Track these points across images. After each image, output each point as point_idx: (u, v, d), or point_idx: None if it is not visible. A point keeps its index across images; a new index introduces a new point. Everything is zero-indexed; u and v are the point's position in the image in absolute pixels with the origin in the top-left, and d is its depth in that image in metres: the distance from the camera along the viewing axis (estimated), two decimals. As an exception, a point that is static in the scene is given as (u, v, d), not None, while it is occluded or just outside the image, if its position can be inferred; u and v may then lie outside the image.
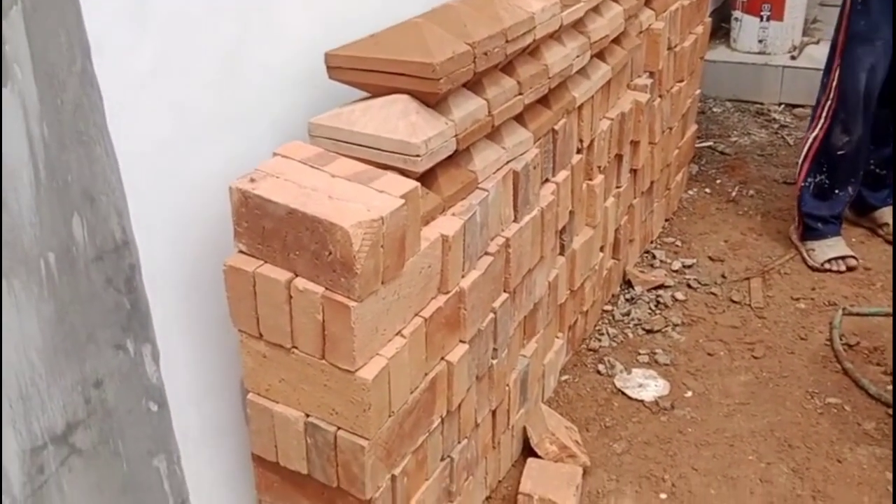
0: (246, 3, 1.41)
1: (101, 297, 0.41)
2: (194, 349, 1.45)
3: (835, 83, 2.67)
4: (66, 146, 0.38)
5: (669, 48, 2.60)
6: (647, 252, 2.83)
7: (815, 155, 2.75)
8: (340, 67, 1.47)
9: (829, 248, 2.74)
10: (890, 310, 2.49)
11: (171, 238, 1.35)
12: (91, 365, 0.41)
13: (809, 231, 2.80)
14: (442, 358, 1.50)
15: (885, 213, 2.94)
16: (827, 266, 2.70)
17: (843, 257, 2.71)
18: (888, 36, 2.56)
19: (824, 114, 2.71)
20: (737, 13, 4.35)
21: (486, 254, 1.60)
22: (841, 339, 2.34)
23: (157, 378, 0.47)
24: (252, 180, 1.28)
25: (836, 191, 2.77)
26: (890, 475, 1.90)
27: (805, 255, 2.77)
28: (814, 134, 2.75)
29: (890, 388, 2.17)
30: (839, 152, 2.69)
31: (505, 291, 1.69)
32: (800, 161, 2.83)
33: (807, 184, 2.80)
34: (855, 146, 2.69)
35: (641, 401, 2.16)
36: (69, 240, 0.39)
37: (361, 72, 1.45)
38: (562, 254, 2.07)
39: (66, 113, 0.39)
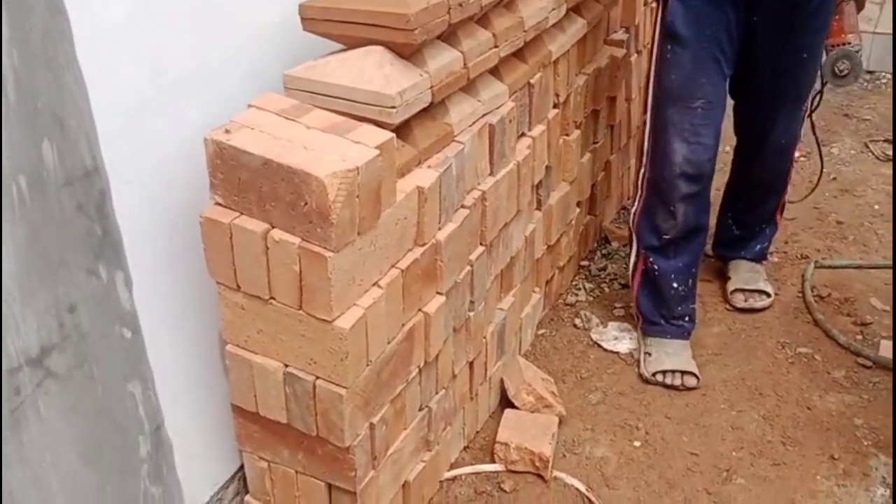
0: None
1: (73, 223, 0.41)
2: (174, 303, 1.45)
3: (648, 149, 2.07)
4: (36, 72, 0.39)
5: (646, 3, 2.59)
6: (623, 208, 2.86)
7: (640, 234, 2.16)
8: (314, 19, 1.46)
9: (667, 356, 2.11)
10: (861, 262, 2.53)
11: (148, 193, 1.35)
12: (64, 289, 0.42)
13: (650, 325, 2.17)
14: (419, 309, 1.52)
15: (736, 268, 2.40)
16: (659, 379, 2.08)
17: (682, 372, 2.07)
18: (714, 96, 1.94)
19: (642, 184, 2.12)
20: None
21: (463, 207, 1.61)
22: (812, 291, 2.39)
23: (131, 305, 0.47)
24: (227, 132, 1.28)
25: (675, 285, 2.12)
26: (858, 421, 1.95)
27: (641, 357, 2.15)
28: (633, 208, 2.18)
29: (859, 337, 2.22)
30: (665, 237, 2.09)
31: (481, 244, 1.71)
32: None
33: (636, 268, 2.19)
34: (683, 232, 2.08)
35: (617, 353, 2.20)
36: (39, 164, 0.39)
37: (335, 23, 1.44)
38: (538, 209, 2.08)
39: (35, 40, 0.39)
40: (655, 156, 2.05)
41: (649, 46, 2.07)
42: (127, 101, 1.27)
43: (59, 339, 0.42)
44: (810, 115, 2.22)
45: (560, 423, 1.92)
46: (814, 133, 2.32)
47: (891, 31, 3.68)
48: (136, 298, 1.34)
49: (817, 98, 2.19)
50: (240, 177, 1.27)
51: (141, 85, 1.29)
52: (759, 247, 2.40)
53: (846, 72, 2.03)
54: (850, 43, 2.02)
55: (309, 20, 1.47)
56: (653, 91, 2.02)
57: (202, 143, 1.29)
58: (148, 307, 1.39)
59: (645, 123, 2.08)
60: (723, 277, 2.47)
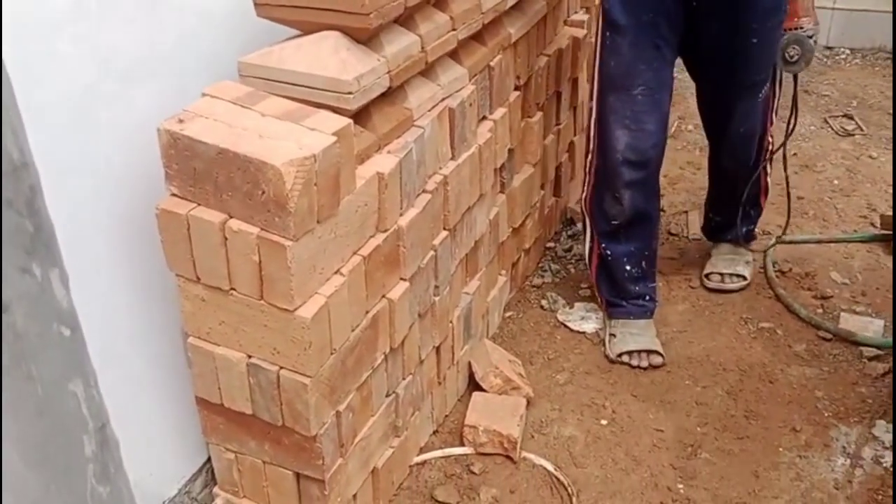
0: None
1: (1, 220, 0.40)
2: (133, 296, 1.44)
3: (594, 136, 2.07)
4: (-48, 67, 0.38)
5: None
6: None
7: (592, 219, 2.17)
8: (268, 4, 1.44)
9: (631, 337, 2.10)
10: (821, 237, 2.57)
11: (100, 185, 1.33)
12: (-5, 289, 0.41)
13: (613, 307, 2.17)
14: (383, 296, 1.52)
15: (717, 250, 2.41)
16: (625, 360, 2.08)
17: (647, 352, 2.08)
18: (655, 82, 1.94)
19: (589, 171, 2.12)
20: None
21: (424, 191, 1.60)
22: (774, 267, 2.42)
23: (68, 302, 0.47)
24: (180, 121, 1.26)
25: (627, 268, 2.13)
26: (819, 393, 1.99)
27: (606, 339, 2.14)
28: (583, 194, 2.19)
29: (819, 311, 2.26)
30: (613, 222, 2.10)
31: (444, 229, 1.71)
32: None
33: (591, 252, 2.21)
34: (631, 217, 2.08)
35: (583, 333, 2.22)
36: (-38, 162, 0.39)
37: (289, 8, 1.42)
38: (502, 192, 2.08)
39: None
40: (600, 142, 2.05)
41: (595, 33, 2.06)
42: (73, 90, 1.25)
43: (-8, 341, 0.41)
44: (774, 109, 2.18)
45: (528, 404, 1.93)
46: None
47: (850, 7, 3.72)
48: (93, 294, 1.32)
49: (777, 87, 2.15)
50: (195, 167, 1.25)
51: (87, 73, 1.26)
52: (744, 229, 2.37)
53: (796, 57, 1.98)
54: (802, 27, 1.97)
55: (263, 6, 1.45)
56: (596, 78, 2.01)
57: (155, 133, 1.27)
58: (106, 301, 1.38)
59: (591, 110, 2.07)
60: (685, 255, 2.50)
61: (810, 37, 1.98)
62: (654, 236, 2.19)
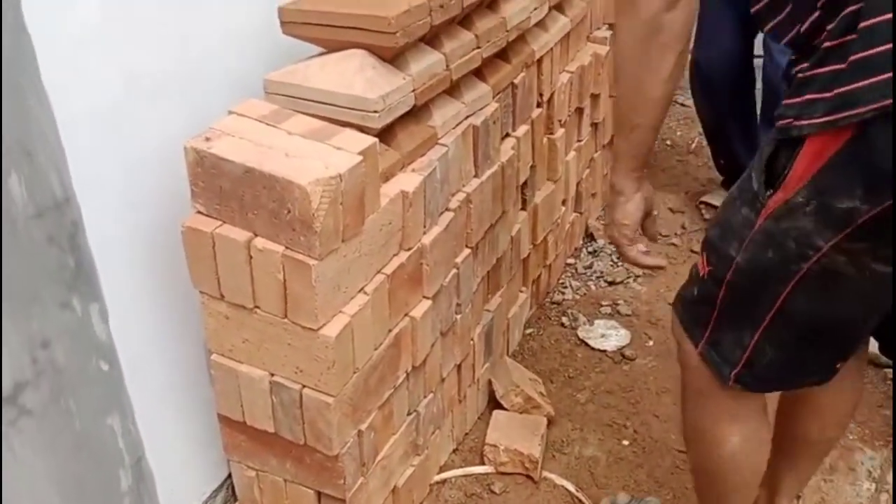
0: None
1: (44, 256, 0.40)
2: (157, 312, 1.44)
3: None
4: (-2, 101, 0.38)
5: (628, -1, 2.58)
6: (609, 205, 2.85)
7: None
8: (294, 22, 1.44)
9: None
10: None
11: (127, 201, 1.33)
12: (37, 324, 0.41)
13: None
14: (405, 314, 1.51)
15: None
16: None
17: None
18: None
19: None
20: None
21: (448, 210, 1.60)
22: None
23: (107, 336, 0.46)
24: (207, 139, 1.26)
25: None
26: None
27: None
28: None
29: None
30: None
31: (467, 247, 1.70)
32: None
33: None
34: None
35: (604, 351, 2.20)
36: (7, 198, 0.38)
37: (315, 26, 1.43)
38: (524, 209, 2.07)
39: (-4, 66, 0.38)
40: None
41: None
42: (100, 106, 1.25)
43: (32, 376, 0.41)
44: None
45: (549, 423, 1.92)
46: None
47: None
48: (116, 309, 1.32)
49: None
50: (221, 185, 1.25)
51: (115, 89, 1.27)
52: None
53: None
54: None
55: (289, 23, 1.45)
56: None
57: (181, 150, 1.27)
58: (128, 317, 1.38)
59: None
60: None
61: None
62: None
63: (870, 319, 1.23)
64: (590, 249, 2.62)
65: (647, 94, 1.25)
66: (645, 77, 1.23)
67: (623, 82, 1.29)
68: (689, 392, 1.37)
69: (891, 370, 2.06)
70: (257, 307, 1.31)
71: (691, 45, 1.57)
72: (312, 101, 1.39)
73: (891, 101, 0.96)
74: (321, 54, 1.46)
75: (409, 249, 1.47)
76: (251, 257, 1.27)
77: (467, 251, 1.70)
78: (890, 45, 0.96)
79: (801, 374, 1.27)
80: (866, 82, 0.98)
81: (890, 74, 0.95)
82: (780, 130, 1.10)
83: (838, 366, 1.26)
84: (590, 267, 2.55)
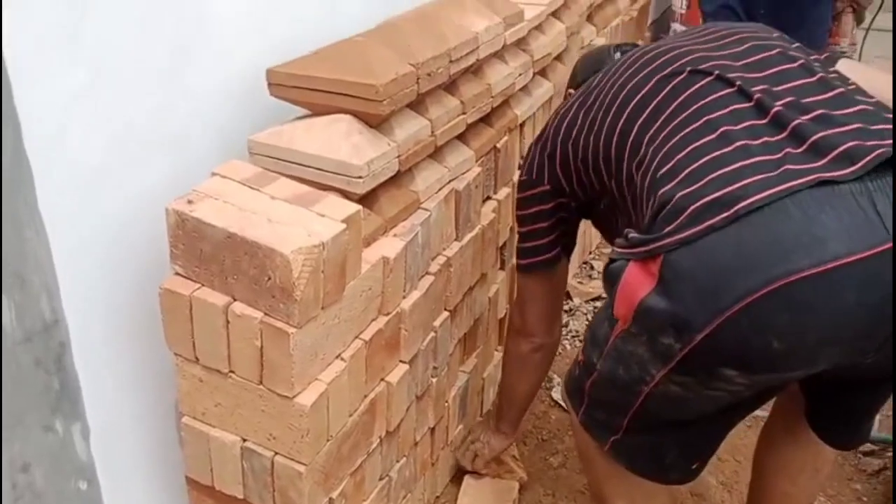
0: (184, 18, 1.38)
1: (30, 380, 0.39)
2: (127, 370, 1.41)
3: None
4: (-6, 230, 0.37)
5: (610, 63, 2.63)
6: (585, 263, 2.87)
7: None
8: (282, 85, 1.45)
9: None
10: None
11: (106, 259, 1.31)
12: (19, 448, 0.40)
13: None
14: (382, 379, 1.50)
15: None
16: None
17: None
18: None
19: None
20: (675, 25, 4.44)
21: (428, 273, 1.59)
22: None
23: (87, 455, 0.45)
24: (189, 202, 1.25)
25: None
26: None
27: None
28: None
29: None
30: None
31: (446, 310, 1.69)
32: None
33: None
34: None
35: (578, 413, 2.19)
36: (-3, 328, 0.38)
37: (303, 90, 1.43)
38: (502, 268, 2.08)
39: (-6, 195, 0.38)
40: None
41: None
42: (86, 164, 1.24)
43: (11, 501, 0.39)
44: None
45: (521, 488, 1.90)
46: None
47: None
48: (87, 361, 1.29)
49: None
50: (202, 248, 1.24)
51: (100, 147, 1.26)
52: None
53: None
54: (840, 45, 2.65)
55: (276, 85, 1.46)
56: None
57: (163, 209, 1.26)
58: (102, 371, 1.35)
59: None
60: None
61: (844, 53, 2.62)
62: None
63: (724, 427, 1.37)
64: (566, 308, 2.63)
65: (518, 387, 1.83)
66: (519, 378, 1.81)
67: (504, 374, 1.89)
68: (580, 452, 1.51)
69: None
70: (232, 372, 1.29)
71: None
72: (297, 163, 1.39)
73: (689, 232, 1.11)
74: (307, 116, 1.46)
75: (387, 314, 1.46)
76: (229, 322, 1.25)
77: (445, 314, 1.69)
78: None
79: (664, 466, 1.36)
80: (667, 229, 1.14)
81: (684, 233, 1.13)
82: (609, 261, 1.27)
83: (694, 466, 1.38)
84: (566, 326, 2.55)
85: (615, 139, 1.36)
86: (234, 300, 1.25)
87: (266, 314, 1.23)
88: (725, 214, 1.10)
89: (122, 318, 1.37)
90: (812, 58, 1.34)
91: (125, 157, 1.31)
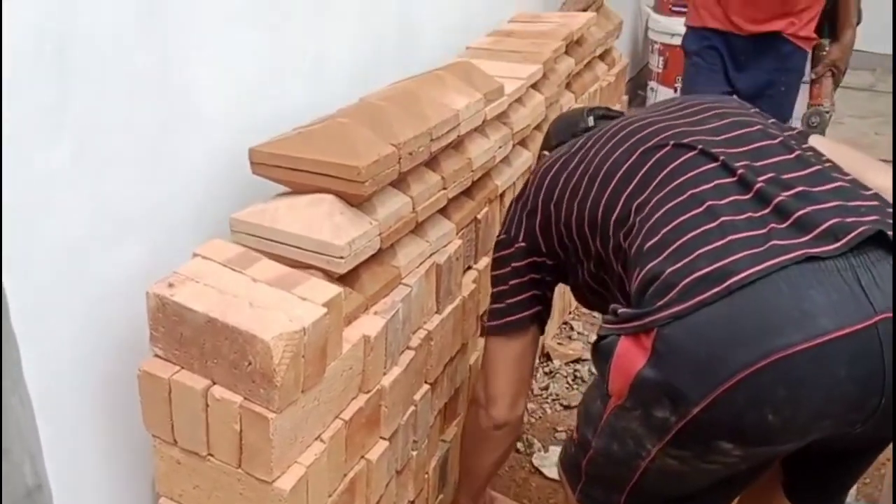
0: (169, 95, 1.39)
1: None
2: (104, 450, 1.40)
3: None
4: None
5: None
6: (565, 323, 2.89)
7: None
8: (264, 164, 1.46)
9: None
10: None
11: (84, 338, 1.31)
12: None
13: None
14: (361, 457, 1.49)
15: None
16: None
17: None
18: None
19: None
20: (652, 83, 4.53)
21: (408, 348, 1.60)
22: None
23: None
24: (170, 285, 1.26)
25: None
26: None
27: None
28: None
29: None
30: None
31: (426, 383, 1.70)
32: None
33: None
34: None
35: (559, 481, 2.18)
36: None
37: (286, 170, 1.45)
38: (482, 335, 2.08)
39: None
40: None
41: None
42: (64, 244, 1.25)
43: None
44: None
45: (502, 560, 1.88)
46: None
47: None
48: (63, 441, 1.28)
49: None
50: (182, 332, 1.24)
51: (79, 227, 1.26)
52: None
53: (816, 125, 2.95)
54: (822, 105, 2.96)
55: (259, 164, 1.47)
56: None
57: (142, 287, 1.26)
58: (75, 450, 1.34)
59: None
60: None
61: (826, 112, 2.96)
62: None
63: (723, 498, 1.37)
64: (546, 370, 2.63)
65: (479, 463, 1.81)
66: (479, 455, 1.78)
67: (462, 448, 1.85)
68: None
69: None
70: (211, 455, 1.28)
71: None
72: (279, 242, 1.40)
73: (682, 307, 1.13)
74: (289, 194, 1.48)
75: (368, 392, 1.46)
76: (208, 406, 1.25)
77: (426, 387, 1.69)
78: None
79: None
80: (659, 303, 1.16)
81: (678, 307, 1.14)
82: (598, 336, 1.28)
83: None
84: (546, 388, 2.55)
85: (601, 209, 1.38)
86: (214, 384, 1.25)
87: (246, 398, 1.23)
88: (717, 289, 1.12)
89: (99, 397, 1.36)
90: (787, 134, 1.38)
91: (105, 235, 1.31)
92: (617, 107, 3.03)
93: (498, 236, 1.65)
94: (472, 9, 2.47)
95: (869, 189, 1.26)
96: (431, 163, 1.66)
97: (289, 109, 1.65)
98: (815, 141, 1.42)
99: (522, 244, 1.56)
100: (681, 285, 1.15)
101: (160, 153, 1.40)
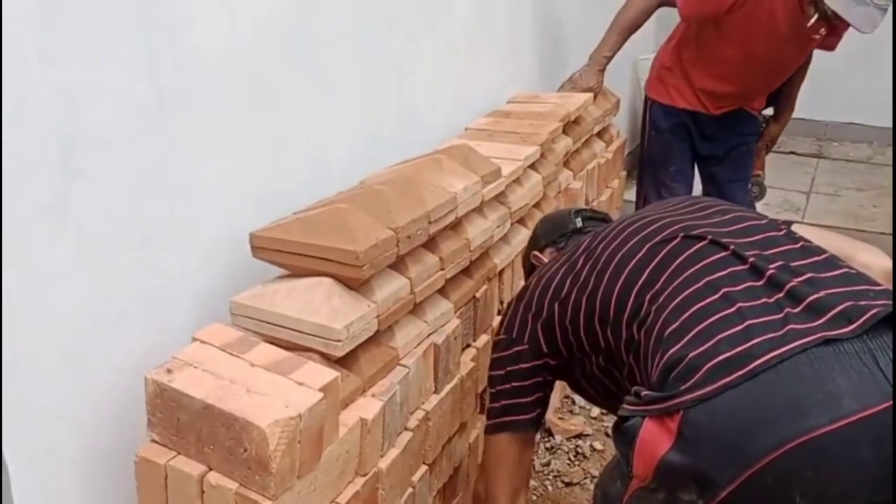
0: (173, 180, 1.43)
1: None
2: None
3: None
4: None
5: (587, 204, 2.72)
6: (567, 397, 2.87)
7: None
8: (264, 248, 1.49)
9: None
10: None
11: (79, 425, 1.32)
12: None
13: None
14: (359, 541, 1.48)
15: None
16: None
17: None
18: (684, 166, 3.00)
19: None
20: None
21: (406, 429, 1.59)
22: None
23: None
24: (168, 371, 1.27)
25: None
26: None
27: None
28: None
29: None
30: None
31: (424, 464, 1.69)
32: None
33: None
34: None
35: (561, 562, 2.15)
36: None
37: (286, 254, 1.47)
38: (482, 412, 2.08)
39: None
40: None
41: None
42: (66, 337, 1.27)
43: None
44: None
45: None
46: None
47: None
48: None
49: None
50: (179, 417, 1.25)
51: (82, 320, 1.29)
52: None
53: (756, 195, 3.42)
54: (759, 176, 3.44)
55: (259, 248, 1.50)
56: (641, 161, 3.17)
57: (142, 373, 1.27)
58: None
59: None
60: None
61: (762, 182, 3.54)
62: None
63: None
64: (547, 445, 2.61)
65: None
66: None
67: None
68: None
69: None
70: (206, 542, 1.27)
71: None
72: (278, 325, 1.42)
73: (706, 390, 1.14)
74: (289, 276, 1.50)
75: (364, 475, 1.45)
76: (203, 492, 1.25)
77: (424, 468, 1.68)
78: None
79: None
80: (683, 387, 1.17)
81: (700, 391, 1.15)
82: (619, 418, 1.27)
83: None
84: (547, 465, 2.52)
85: (613, 302, 1.39)
86: (210, 470, 1.25)
87: (241, 485, 1.22)
88: (741, 372, 1.14)
89: (95, 485, 1.36)
90: (787, 226, 1.42)
91: (107, 321, 1.33)
92: (615, 183, 3.08)
93: (497, 336, 1.66)
94: (471, 90, 2.53)
95: (870, 274, 1.30)
96: (429, 244, 1.69)
97: (291, 193, 1.69)
98: (799, 228, 1.45)
99: (525, 346, 1.57)
100: (704, 369, 1.17)
101: (165, 242, 1.43)
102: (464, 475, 1.98)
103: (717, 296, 1.25)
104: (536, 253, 1.81)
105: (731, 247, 1.31)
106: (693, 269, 1.31)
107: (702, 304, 1.25)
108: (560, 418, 2.73)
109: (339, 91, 1.87)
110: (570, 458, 2.56)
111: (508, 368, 1.59)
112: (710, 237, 1.34)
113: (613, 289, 1.40)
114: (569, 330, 1.50)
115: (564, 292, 1.50)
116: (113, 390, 1.34)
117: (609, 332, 1.41)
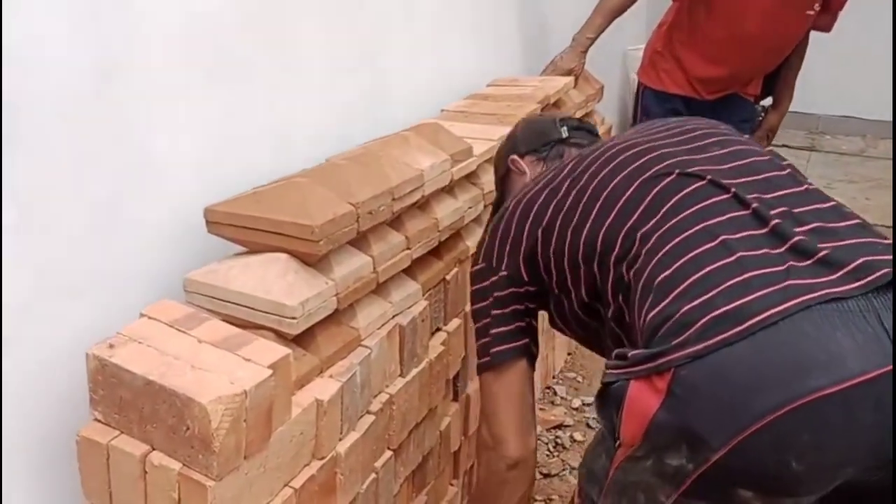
0: (125, 154, 1.38)
1: None
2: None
3: None
4: None
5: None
6: (548, 388, 2.82)
7: None
8: (219, 223, 1.44)
9: None
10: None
11: (25, 403, 1.27)
12: None
13: None
14: (315, 528, 1.43)
15: None
16: None
17: None
18: None
19: None
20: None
21: (368, 413, 1.54)
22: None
23: None
24: (111, 346, 1.22)
25: None
26: None
27: None
28: None
29: None
30: None
31: (389, 449, 1.64)
32: None
33: None
34: None
35: (537, 553, 2.10)
36: None
37: (241, 229, 1.43)
38: (455, 400, 2.03)
39: None
40: None
41: None
42: (8, 306, 1.22)
43: None
44: None
45: None
46: None
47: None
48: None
49: None
50: (121, 395, 1.20)
51: (23, 290, 1.24)
52: None
53: None
54: None
55: (214, 224, 1.45)
56: None
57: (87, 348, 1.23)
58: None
59: None
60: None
61: None
62: None
63: None
64: (527, 436, 2.56)
65: None
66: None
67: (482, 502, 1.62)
68: None
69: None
70: (149, 525, 1.23)
71: None
72: (232, 302, 1.37)
73: (700, 346, 1.07)
74: (245, 254, 1.45)
75: (321, 458, 1.40)
76: (146, 472, 1.20)
77: (389, 454, 1.63)
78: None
79: None
80: (675, 342, 1.10)
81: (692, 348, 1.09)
82: (604, 383, 1.19)
83: None
84: (526, 456, 2.47)
85: (601, 240, 1.29)
86: (153, 449, 1.20)
87: (184, 465, 1.18)
88: (738, 329, 1.07)
89: (38, 468, 1.31)
90: (791, 165, 1.33)
91: (51, 297, 1.29)
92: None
93: (473, 266, 1.54)
94: (450, 73, 2.49)
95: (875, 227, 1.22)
96: (395, 223, 1.64)
97: (253, 171, 1.64)
98: None
99: (504, 273, 1.46)
100: (698, 324, 1.09)
101: (115, 217, 1.38)
102: (434, 463, 1.93)
103: (714, 243, 1.16)
104: (515, 157, 1.68)
105: (733, 189, 1.21)
106: (688, 211, 1.21)
107: (697, 251, 1.16)
108: (541, 409, 2.68)
109: (306, 66, 1.82)
110: (549, 449, 2.51)
111: (490, 298, 1.48)
112: (709, 177, 1.24)
113: (601, 226, 1.29)
114: (552, 260, 1.39)
115: (547, 220, 1.39)
116: (54, 367, 1.29)
117: (595, 270, 1.31)
